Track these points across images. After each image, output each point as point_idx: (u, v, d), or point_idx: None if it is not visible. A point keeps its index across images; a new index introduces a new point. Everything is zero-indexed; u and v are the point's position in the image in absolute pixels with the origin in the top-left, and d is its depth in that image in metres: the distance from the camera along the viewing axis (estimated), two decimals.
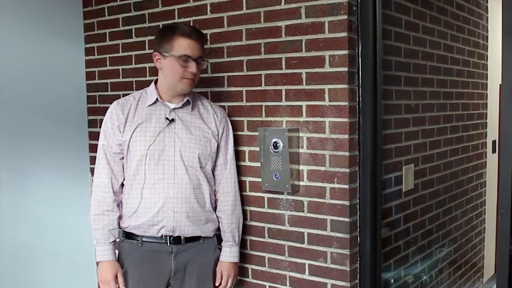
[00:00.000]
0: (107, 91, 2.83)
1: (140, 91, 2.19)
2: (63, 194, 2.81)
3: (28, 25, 2.67)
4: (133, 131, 2.08)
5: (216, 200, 2.23)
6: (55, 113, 2.78)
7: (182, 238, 2.11)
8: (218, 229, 2.23)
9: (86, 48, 2.92)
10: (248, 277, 2.38)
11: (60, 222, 2.80)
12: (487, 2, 3.48)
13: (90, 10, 2.88)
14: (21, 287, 2.65)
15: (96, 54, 2.88)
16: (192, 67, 2.05)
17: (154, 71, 2.38)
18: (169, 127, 2.09)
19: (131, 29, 2.68)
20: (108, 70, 2.83)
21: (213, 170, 2.21)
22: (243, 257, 2.38)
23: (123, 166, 2.13)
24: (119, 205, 2.14)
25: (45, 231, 2.74)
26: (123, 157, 2.13)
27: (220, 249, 2.24)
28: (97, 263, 2.12)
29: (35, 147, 2.69)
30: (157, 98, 2.11)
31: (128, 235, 2.13)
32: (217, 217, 2.22)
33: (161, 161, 2.07)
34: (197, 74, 2.08)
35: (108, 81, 2.83)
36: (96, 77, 2.89)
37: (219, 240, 2.25)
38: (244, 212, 2.35)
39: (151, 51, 2.16)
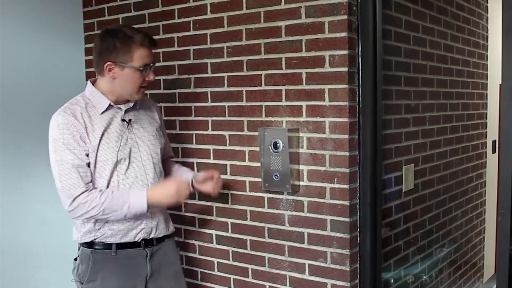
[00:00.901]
0: None
1: (78, 98, 2.04)
2: None
3: (28, 25, 2.67)
4: (100, 140, 1.97)
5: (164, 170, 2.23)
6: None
7: (154, 239, 2.10)
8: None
9: (86, 48, 2.92)
10: (248, 277, 2.38)
11: (60, 222, 2.80)
12: (487, 2, 3.48)
13: (90, 10, 2.88)
14: (21, 287, 2.66)
15: None
16: (151, 75, 2.02)
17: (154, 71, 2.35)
18: (128, 129, 2.06)
19: None
20: None
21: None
22: (243, 257, 2.38)
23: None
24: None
25: (45, 231, 2.74)
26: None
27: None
28: (148, 208, 1.98)
29: (35, 147, 2.69)
30: (110, 103, 2.02)
31: (100, 245, 2.04)
32: (170, 172, 2.27)
33: (131, 164, 2.04)
34: None
35: None
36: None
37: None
38: (244, 212, 2.35)
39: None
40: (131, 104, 2.09)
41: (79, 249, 2.11)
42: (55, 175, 1.95)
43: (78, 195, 1.92)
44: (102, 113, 2.01)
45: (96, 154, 1.97)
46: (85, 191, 1.93)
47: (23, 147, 2.65)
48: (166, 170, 2.25)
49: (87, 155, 1.96)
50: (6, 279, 2.56)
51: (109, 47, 1.96)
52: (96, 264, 2.04)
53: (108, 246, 2.04)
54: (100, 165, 1.98)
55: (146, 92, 2.24)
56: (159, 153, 2.15)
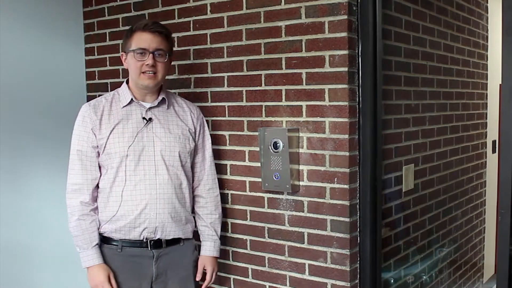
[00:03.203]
0: (107, 91, 2.82)
1: (112, 92, 2.15)
2: (62, 194, 2.80)
3: (28, 25, 2.67)
4: (110, 133, 2.02)
5: (194, 197, 2.22)
6: (55, 113, 2.78)
7: (163, 241, 2.09)
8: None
9: (86, 48, 2.92)
10: (248, 277, 2.38)
11: (59, 222, 2.79)
12: (487, 2, 3.48)
13: (90, 10, 2.88)
14: (20, 287, 2.65)
15: (96, 54, 2.88)
16: (148, 59, 2.02)
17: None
18: (147, 127, 2.07)
19: None
20: (108, 70, 2.83)
21: (192, 168, 2.20)
22: (243, 257, 2.38)
23: (99, 170, 2.08)
24: (96, 209, 2.09)
25: (44, 231, 2.74)
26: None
27: (198, 249, 2.24)
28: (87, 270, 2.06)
29: (35, 147, 2.69)
30: (132, 99, 2.08)
31: (107, 240, 2.07)
32: (195, 214, 2.23)
33: (141, 162, 2.04)
34: (156, 67, 2.04)
35: (108, 81, 2.83)
36: (96, 77, 2.89)
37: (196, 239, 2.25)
38: (244, 212, 2.35)
39: None
40: (156, 102, 2.11)
41: None
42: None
43: (71, 191, 2.09)
44: (124, 107, 2.07)
45: (105, 146, 2.03)
46: (83, 196, 2.07)
47: (22, 147, 2.64)
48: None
49: (95, 148, 2.05)
50: (5, 279, 2.56)
51: (123, 41, 2.11)
52: (104, 257, 2.07)
53: (115, 241, 2.07)
54: (107, 158, 2.04)
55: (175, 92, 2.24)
56: (178, 156, 2.09)
